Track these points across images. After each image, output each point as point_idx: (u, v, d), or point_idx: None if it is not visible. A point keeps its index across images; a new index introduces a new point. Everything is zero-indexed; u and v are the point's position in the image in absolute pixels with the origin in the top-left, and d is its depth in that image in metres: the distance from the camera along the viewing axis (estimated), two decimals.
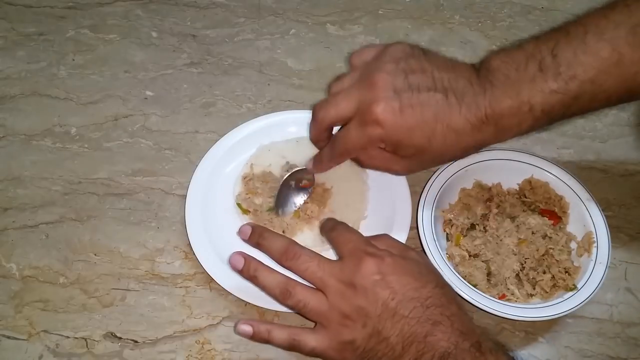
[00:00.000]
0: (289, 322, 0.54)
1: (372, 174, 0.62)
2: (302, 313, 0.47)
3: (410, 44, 0.50)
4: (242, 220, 0.60)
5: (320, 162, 0.57)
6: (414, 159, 0.50)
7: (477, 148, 0.50)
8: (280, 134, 0.64)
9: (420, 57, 0.49)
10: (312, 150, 0.63)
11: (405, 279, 0.45)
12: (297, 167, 0.62)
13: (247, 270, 0.49)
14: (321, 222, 0.56)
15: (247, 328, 0.47)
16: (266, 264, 0.50)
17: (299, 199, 0.60)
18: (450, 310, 0.44)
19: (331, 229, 0.51)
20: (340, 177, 0.61)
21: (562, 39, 0.45)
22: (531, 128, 0.47)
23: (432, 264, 0.51)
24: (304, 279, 0.47)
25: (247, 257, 0.49)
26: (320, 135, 0.54)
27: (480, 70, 0.48)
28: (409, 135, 0.47)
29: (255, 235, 0.50)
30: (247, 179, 0.62)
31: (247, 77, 0.73)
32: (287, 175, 0.59)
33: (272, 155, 0.63)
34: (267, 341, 0.47)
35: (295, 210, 0.60)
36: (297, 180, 0.60)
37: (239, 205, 0.60)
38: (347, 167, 0.62)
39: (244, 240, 0.51)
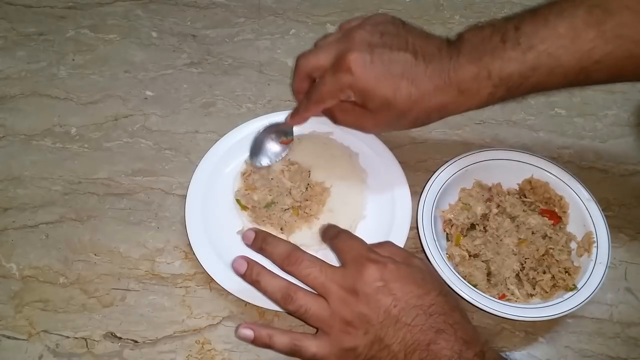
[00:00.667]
0: (288, 323, 0.54)
1: (372, 174, 0.62)
2: (303, 318, 0.47)
3: (392, 15, 0.55)
4: (242, 219, 0.60)
5: (297, 112, 0.58)
6: (381, 114, 0.52)
7: (440, 112, 0.51)
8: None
9: (398, 24, 0.53)
10: (315, 149, 0.63)
11: (408, 287, 0.45)
12: (298, 163, 0.62)
13: (250, 274, 0.49)
14: (322, 227, 0.56)
15: (248, 332, 0.47)
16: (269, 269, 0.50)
17: (276, 154, 0.62)
18: (453, 318, 0.44)
19: (334, 237, 0.51)
20: (340, 176, 0.61)
21: (527, 17, 0.48)
22: (491, 96, 0.49)
23: (435, 272, 0.51)
24: (306, 284, 0.47)
25: (250, 261, 0.49)
26: (301, 84, 0.57)
27: (453, 41, 0.51)
28: (376, 85, 0.50)
29: (259, 240, 0.50)
30: (246, 175, 0.62)
31: (247, 77, 0.73)
32: (264, 128, 0.62)
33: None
34: (268, 346, 0.47)
35: (294, 208, 0.59)
36: (277, 134, 0.62)
37: (238, 201, 0.60)
38: (346, 167, 0.62)
39: (247, 245, 0.51)
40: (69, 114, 0.69)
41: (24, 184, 0.63)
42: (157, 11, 0.79)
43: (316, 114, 0.58)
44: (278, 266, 0.49)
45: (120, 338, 0.54)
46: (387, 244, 0.52)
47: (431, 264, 0.53)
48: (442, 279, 0.51)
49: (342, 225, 0.58)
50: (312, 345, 0.46)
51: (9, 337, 0.53)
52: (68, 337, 0.53)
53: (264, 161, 0.61)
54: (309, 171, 0.62)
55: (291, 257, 0.47)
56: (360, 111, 0.54)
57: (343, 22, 0.58)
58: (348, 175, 0.61)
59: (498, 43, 0.48)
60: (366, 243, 0.49)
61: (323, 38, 0.57)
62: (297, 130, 0.64)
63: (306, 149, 0.63)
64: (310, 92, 0.56)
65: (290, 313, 0.48)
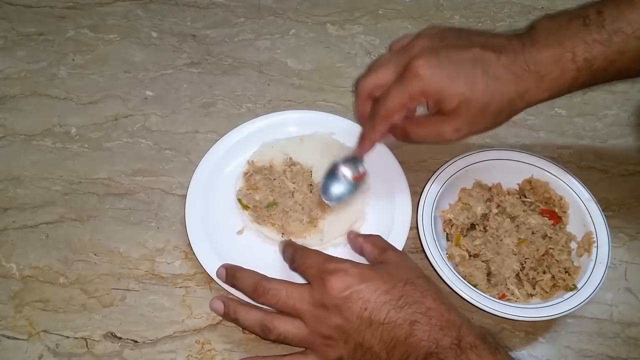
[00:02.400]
0: None
1: (372, 174, 0.62)
2: (286, 343, 0.48)
3: (445, 25, 0.52)
4: (243, 219, 0.60)
5: (364, 137, 0.54)
6: (460, 115, 0.48)
7: (523, 100, 0.48)
8: (281, 134, 0.64)
9: (455, 29, 0.51)
10: (317, 149, 0.62)
11: (374, 285, 0.45)
12: (300, 163, 0.62)
13: (228, 314, 0.50)
14: (280, 245, 0.55)
15: None
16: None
17: (347, 191, 0.57)
18: (425, 306, 0.44)
19: (291, 260, 0.51)
20: None
21: (609, 1, 0.46)
22: (574, 80, 0.47)
23: (411, 261, 0.50)
24: (278, 311, 0.48)
25: (225, 301, 0.51)
26: (364, 107, 0.53)
27: (522, 33, 0.49)
28: (450, 84, 0.47)
29: (229, 277, 0.52)
30: (248, 175, 0.62)
31: (247, 77, 0.73)
32: (334, 164, 0.57)
33: (274, 151, 0.63)
34: None
35: (298, 210, 0.59)
36: (348, 167, 0.57)
37: (239, 200, 0.60)
38: None
39: (222, 282, 0.52)
40: (69, 114, 0.69)
41: (24, 184, 0.63)
42: (157, 11, 0.79)
43: (383, 132, 0.52)
44: (250, 299, 0.50)
45: (120, 338, 0.54)
46: (374, 236, 0.53)
47: (431, 264, 0.53)
48: (416, 265, 0.50)
49: (344, 226, 0.58)
50: None
51: (9, 337, 0.53)
52: (68, 337, 0.53)
53: (335, 196, 0.56)
54: (311, 171, 0.62)
55: (258, 288, 0.48)
56: (435, 119, 0.50)
57: (392, 41, 0.55)
58: None
59: (580, 27, 0.46)
60: (322, 254, 0.49)
61: (378, 58, 0.54)
62: (298, 131, 0.64)
63: (308, 149, 0.63)
64: (374, 109, 0.52)
65: (272, 341, 0.49)
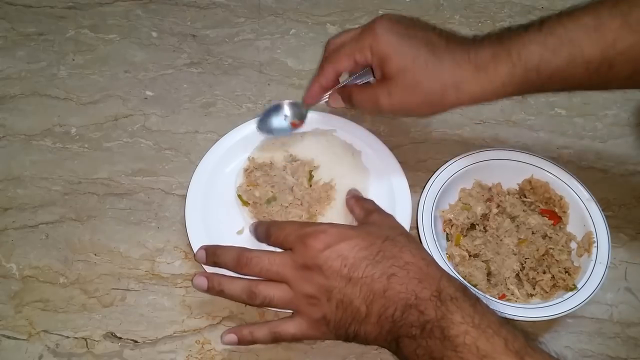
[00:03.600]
0: None
1: (372, 174, 0.62)
2: (272, 307, 0.49)
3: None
4: (243, 216, 0.60)
5: (312, 81, 0.58)
6: (396, 82, 0.52)
7: (457, 91, 0.51)
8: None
9: (416, 19, 0.56)
10: (318, 146, 0.63)
11: (353, 242, 0.46)
12: (301, 159, 0.62)
13: (212, 287, 0.50)
14: (251, 227, 0.56)
15: (231, 337, 0.49)
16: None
17: (282, 131, 0.63)
18: (402, 260, 0.45)
19: (266, 236, 0.51)
20: (342, 174, 0.61)
21: (553, 15, 0.49)
22: (510, 77, 0.49)
23: (394, 221, 0.52)
24: (263, 278, 0.49)
25: (208, 275, 0.51)
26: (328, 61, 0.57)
27: (476, 36, 0.52)
28: (396, 49, 0.51)
29: (210, 256, 0.52)
30: (249, 171, 0.62)
31: (247, 77, 0.73)
32: (280, 103, 0.63)
33: (275, 148, 0.63)
34: (252, 342, 0.50)
35: (298, 206, 0.59)
36: (291, 111, 0.63)
37: (239, 196, 0.60)
38: (348, 165, 0.62)
39: (203, 264, 0.53)
40: (69, 114, 0.69)
41: (24, 184, 0.63)
42: (157, 11, 0.79)
43: (330, 79, 0.57)
44: (234, 272, 0.50)
45: (120, 338, 0.54)
46: (368, 201, 0.56)
47: None
48: (399, 224, 0.51)
49: (343, 222, 0.58)
50: (289, 327, 0.48)
51: (9, 337, 0.53)
52: (68, 337, 0.53)
53: (268, 127, 0.62)
54: (311, 168, 0.62)
55: (240, 259, 0.49)
56: (374, 85, 0.54)
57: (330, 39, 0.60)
58: (350, 173, 0.61)
59: (520, 30, 0.49)
60: (297, 222, 0.51)
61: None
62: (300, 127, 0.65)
63: (309, 145, 0.63)
64: (327, 56, 0.57)
65: (259, 307, 0.51)
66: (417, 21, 0.54)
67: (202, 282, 0.50)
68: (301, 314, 0.48)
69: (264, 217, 0.59)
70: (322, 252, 0.45)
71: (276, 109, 0.63)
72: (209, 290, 0.50)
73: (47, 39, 0.75)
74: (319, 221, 0.58)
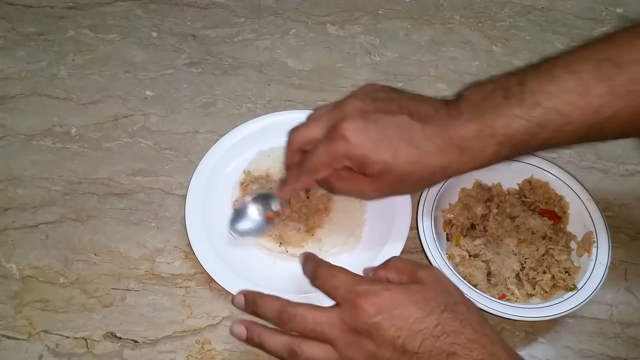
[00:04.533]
0: None
1: None
2: None
3: (381, 84, 0.53)
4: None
5: (287, 183, 0.54)
6: (382, 179, 0.49)
7: (444, 173, 0.49)
8: (281, 136, 0.64)
9: (388, 90, 0.51)
10: None
11: (408, 311, 0.42)
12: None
13: (252, 338, 0.47)
14: (301, 257, 0.51)
15: (242, 331, 0.47)
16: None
17: (257, 227, 0.57)
18: (464, 336, 0.41)
19: (314, 277, 0.48)
20: None
21: (531, 71, 0.46)
22: (496, 155, 0.47)
23: (447, 281, 0.47)
24: (307, 338, 0.45)
25: (248, 325, 0.47)
26: (292, 158, 0.54)
27: (450, 101, 0.49)
28: (373, 150, 0.48)
29: (249, 305, 0.48)
30: (245, 185, 0.61)
31: (247, 77, 0.73)
32: (252, 197, 0.57)
33: (271, 160, 0.63)
34: (263, 349, 0.46)
35: (295, 220, 0.58)
36: (264, 205, 0.57)
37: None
38: None
39: (241, 310, 0.49)
40: (69, 114, 0.69)
41: (24, 184, 0.63)
42: (157, 11, 0.79)
43: (307, 185, 0.55)
44: (274, 325, 0.47)
45: (120, 338, 0.54)
46: (392, 261, 0.49)
47: (431, 264, 0.53)
48: (455, 287, 0.46)
49: (342, 234, 0.57)
50: None
51: (9, 337, 0.53)
52: (68, 337, 0.53)
53: (241, 230, 0.57)
54: None
55: (283, 315, 0.45)
56: (358, 177, 0.50)
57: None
58: None
59: (501, 100, 0.45)
60: (351, 273, 0.46)
61: (315, 111, 0.55)
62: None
63: None
64: (302, 162, 0.52)
65: None
66: (384, 101, 0.50)
67: (241, 331, 0.47)
68: None
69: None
70: (374, 317, 0.42)
71: (245, 208, 0.57)
72: (248, 341, 0.47)
73: (47, 39, 0.75)
74: (318, 234, 0.58)
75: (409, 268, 0.47)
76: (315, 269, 0.47)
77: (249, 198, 0.57)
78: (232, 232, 0.56)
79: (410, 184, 0.49)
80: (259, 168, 0.63)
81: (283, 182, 0.55)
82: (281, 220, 0.58)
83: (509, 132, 0.45)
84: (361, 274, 0.47)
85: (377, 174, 0.48)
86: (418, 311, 0.42)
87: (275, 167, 0.62)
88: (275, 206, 0.57)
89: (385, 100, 0.50)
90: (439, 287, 0.45)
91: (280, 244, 0.58)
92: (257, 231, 0.57)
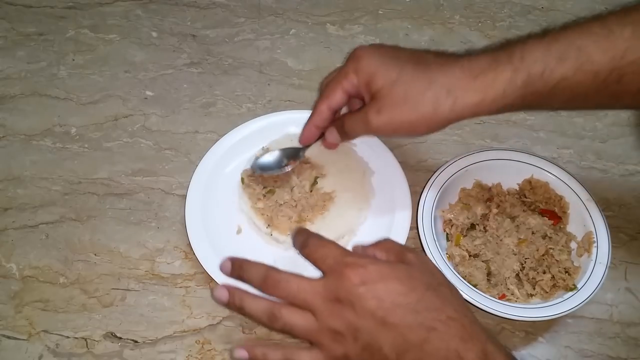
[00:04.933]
0: None
1: (372, 173, 0.62)
2: (292, 334, 0.46)
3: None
4: (238, 201, 0.60)
5: (307, 121, 0.55)
6: (383, 97, 0.48)
7: (449, 96, 0.46)
8: (281, 134, 0.64)
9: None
10: (333, 155, 0.61)
11: (392, 285, 0.43)
12: (312, 163, 0.62)
13: (233, 302, 0.47)
14: (292, 231, 0.51)
15: (242, 354, 0.46)
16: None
17: (276, 166, 0.59)
18: (445, 314, 0.42)
19: (303, 245, 0.48)
20: (346, 188, 0.61)
21: (556, 27, 0.46)
22: (511, 83, 0.45)
23: (432, 265, 0.48)
24: (290, 303, 0.46)
25: (230, 289, 0.47)
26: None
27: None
28: (381, 66, 0.48)
29: (236, 269, 0.48)
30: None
31: (247, 77, 0.73)
32: (280, 149, 0.60)
33: (292, 145, 0.62)
34: None
35: (291, 207, 0.59)
36: (288, 157, 0.60)
37: (242, 179, 0.61)
38: (356, 182, 0.61)
39: (227, 275, 0.49)
40: (69, 114, 0.69)
41: (24, 184, 0.63)
42: (157, 11, 0.79)
43: (324, 116, 0.53)
44: (259, 291, 0.47)
45: (120, 338, 0.54)
46: (383, 241, 0.49)
47: None
48: (439, 271, 0.47)
49: (331, 237, 0.57)
50: (305, 357, 0.45)
51: (9, 337, 0.53)
52: (68, 337, 0.53)
53: (262, 164, 0.59)
54: (318, 175, 0.61)
55: (268, 280, 0.46)
56: (365, 107, 0.50)
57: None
58: (354, 191, 0.60)
59: (521, 39, 0.46)
60: (339, 246, 0.46)
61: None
62: (299, 131, 0.64)
63: (325, 152, 0.62)
64: (321, 92, 0.54)
65: (278, 332, 0.47)
66: (400, 47, 0.52)
67: (223, 294, 0.47)
68: (321, 348, 0.44)
69: (256, 206, 0.59)
70: (358, 287, 0.42)
71: (271, 151, 0.61)
72: (229, 304, 0.47)
73: (47, 39, 0.75)
74: (308, 226, 0.58)
75: (397, 249, 0.47)
76: (307, 239, 0.47)
77: (273, 151, 0.60)
78: (254, 167, 0.60)
79: (412, 104, 0.47)
80: (278, 148, 0.62)
81: (305, 124, 0.55)
82: (277, 205, 0.59)
83: (526, 58, 0.44)
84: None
85: (380, 89, 0.48)
86: (401, 287, 0.42)
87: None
88: (297, 156, 0.59)
89: (397, 46, 0.52)
90: (424, 268, 0.46)
91: (268, 225, 0.58)
92: (274, 170, 0.59)
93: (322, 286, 0.44)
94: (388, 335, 0.42)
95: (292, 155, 0.59)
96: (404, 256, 0.47)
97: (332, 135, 0.55)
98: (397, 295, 0.42)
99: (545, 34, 0.46)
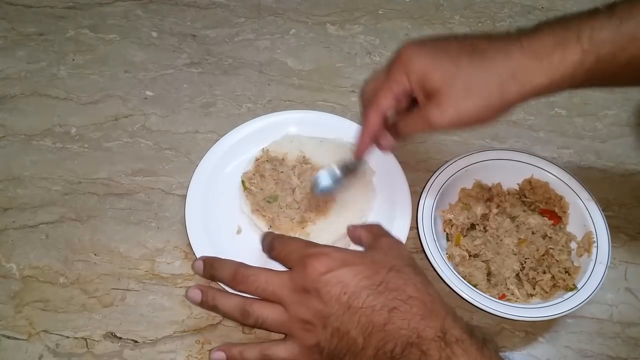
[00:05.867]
0: None
1: (379, 194, 0.61)
2: (264, 328, 0.47)
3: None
4: (240, 203, 0.60)
5: (360, 133, 0.52)
6: (444, 94, 0.45)
7: (516, 82, 0.44)
8: (282, 134, 0.64)
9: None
10: (334, 154, 0.61)
11: (356, 269, 0.43)
12: (312, 164, 0.62)
13: (206, 301, 0.48)
14: (261, 237, 0.52)
15: (220, 355, 0.47)
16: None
17: (334, 183, 0.57)
18: (406, 294, 0.42)
19: (269, 248, 0.49)
20: (347, 188, 0.60)
21: (620, 2, 0.44)
22: (580, 65, 0.43)
23: (402, 249, 0.48)
24: (258, 297, 0.47)
25: (202, 288, 0.49)
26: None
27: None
28: (433, 62, 0.46)
29: (207, 268, 0.50)
30: (260, 161, 0.62)
31: (247, 77, 0.73)
32: (332, 167, 0.57)
33: (293, 146, 0.63)
34: None
35: (293, 209, 0.59)
36: (342, 169, 0.57)
37: (242, 182, 0.60)
38: (357, 182, 0.60)
39: (200, 275, 0.50)
40: (69, 114, 0.69)
41: (24, 184, 0.63)
42: (157, 11, 0.79)
43: (376, 124, 0.50)
44: (230, 288, 0.48)
45: (120, 338, 0.54)
46: (374, 225, 0.51)
47: (431, 264, 0.53)
48: (408, 255, 0.48)
49: (331, 237, 0.57)
50: (280, 351, 0.46)
51: (9, 337, 0.53)
52: (68, 337, 0.53)
53: (322, 187, 0.57)
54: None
55: (237, 276, 0.47)
56: (421, 107, 0.47)
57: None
58: (355, 190, 0.60)
59: (586, 16, 0.43)
60: (303, 240, 0.48)
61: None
62: (322, 133, 0.64)
63: (326, 152, 0.62)
64: (365, 103, 0.52)
65: (252, 327, 0.48)
66: (443, 38, 0.48)
67: (196, 294, 0.48)
68: (294, 339, 0.45)
69: (257, 210, 0.59)
70: (323, 275, 0.43)
71: (328, 174, 0.58)
72: (202, 304, 0.48)
73: (47, 39, 0.75)
74: (308, 229, 0.58)
75: (378, 232, 0.49)
76: (272, 241, 0.49)
77: (326, 169, 0.58)
78: (316, 191, 0.57)
79: (477, 96, 0.45)
80: (278, 150, 0.63)
81: (358, 135, 0.53)
82: (279, 207, 0.59)
83: (595, 39, 0.42)
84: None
85: (439, 88, 0.45)
86: (365, 270, 0.43)
87: (294, 153, 0.63)
88: (353, 168, 0.57)
89: (440, 37, 0.49)
90: (392, 252, 0.47)
91: (270, 227, 0.58)
92: (336, 189, 0.57)
93: (288, 278, 0.45)
94: (354, 318, 0.42)
95: (349, 169, 0.57)
96: (378, 240, 0.48)
97: (388, 141, 0.53)
98: (361, 279, 0.43)
99: (613, 10, 0.43)
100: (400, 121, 0.50)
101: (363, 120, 0.51)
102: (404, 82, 0.47)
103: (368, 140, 0.52)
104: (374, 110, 0.50)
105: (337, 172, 0.57)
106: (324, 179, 0.57)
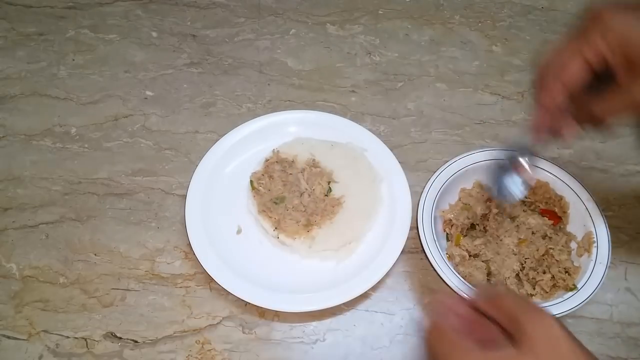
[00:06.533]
0: (288, 322, 0.54)
1: (386, 202, 0.61)
2: None
3: None
4: (247, 203, 0.60)
5: (536, 109, 0.43)
6: None
7: None
8: (282, 134, 0.64)
9: None
10: (344, 159, 0.61)
11: None
12: (322, 168, 0.61)
13: None
14: (479, 288, 0.39)
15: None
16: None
17: (520, 187, 0.51)
18: None
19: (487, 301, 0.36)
20: (355, 194, 0.60)
21: None
22: None
23: (563, 339, 0.34)
24: None
25: None
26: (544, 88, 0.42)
27: None
28: (639, 24, 0.37)
29: None
30: (270, 162, 0.62)
31: (247, 77, 0.73)
32: (502, 160, 0.52)
33: (303, 148, 0.63)
34: None
35: (300, 211, 0.59)
36: (513, 165, 0.50)
37: (251, 182, 0.60)
38: (366, 189, 0.61)
39: None
40: (69, 114, 0.69)
41: (24, 184, 0.63)
42: (157, 11, 0.79)
43: (557, 96, 0.41)
44: None
45: (120, 338, 0.54)
46: (504, 297, 0.36)
47: (431, 264, 0.53)
48: (583, 349, 0.34)
49: (336, 243, 0.57)
50: None
51: (9, 337, 0.53)
52: (68, 337, 0.53)
53: (509, 198, 0.52)
54: (330, 179, 0.61)
55: None
56: (623, 83, 0.39)
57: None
58: (363, 197, 0.60)
59: None
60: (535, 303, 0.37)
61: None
62: (334, 137, 0.63)
63: (336, 157, 0.62)
64: (543, 72, 0.41)
65: None
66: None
67: None
68: None
69: (263, 211, 0.59)
70: None
71: (504, 169, 0.51)
72: None
73: (47, 39, 0.75)
74: (314, 232, 0.57)
75: (514, 314, 0.34)
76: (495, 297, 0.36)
77: (500, 162, 0.52)
78: (494, 197, 0.53)
79: None
80: (288, 152, 0.63)
81: (533, 112, 0.44)
82: (286, 209, 0.58)
83: None
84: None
85: None
86: None
87: (304, 155, 0.62)
88: (530, 158, 0.50)
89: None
90: (552, 353, 0.33)
91: (275, 228, 0.58)
92: (522, 191, 0.52)
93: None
94: None
95: (525, 154, 0.50)
96: (522, 328, 0.34)
97: (572, 129, 0.43)
98: None
99: None
100: (595, 104, 0.41)
101: (538, 94, 0.42)
102: (599, 45, 0.38)
103: (547, 119, 0.43)
104: (557, 79, 0.40)
105: (520, 179, 0.50)
106: (514, 187, 0.51)
